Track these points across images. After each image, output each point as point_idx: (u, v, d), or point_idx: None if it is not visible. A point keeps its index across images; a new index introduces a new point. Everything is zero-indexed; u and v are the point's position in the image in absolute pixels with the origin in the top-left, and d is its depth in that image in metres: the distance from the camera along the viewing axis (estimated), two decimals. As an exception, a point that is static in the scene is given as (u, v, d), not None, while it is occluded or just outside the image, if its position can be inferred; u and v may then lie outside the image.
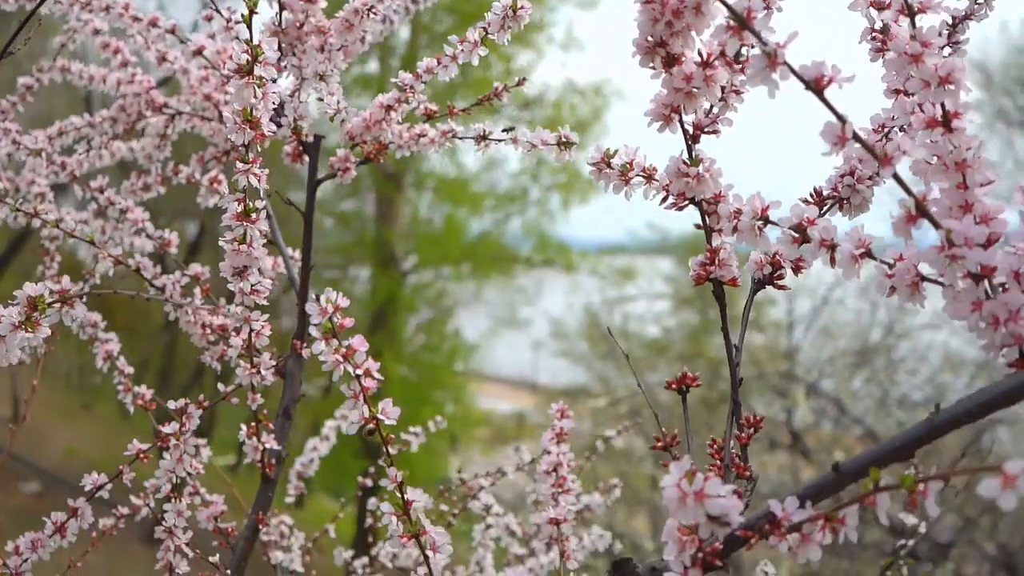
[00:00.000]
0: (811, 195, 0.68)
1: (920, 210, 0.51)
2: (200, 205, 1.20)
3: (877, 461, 0.50)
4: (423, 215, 11.61)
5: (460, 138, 0.97)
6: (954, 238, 0.50)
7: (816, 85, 0.50)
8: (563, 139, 0.84)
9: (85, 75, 1.24)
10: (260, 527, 0.99)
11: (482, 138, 0.95)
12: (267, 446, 0.97)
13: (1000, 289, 0.52)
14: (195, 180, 1.18)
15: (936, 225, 0.51)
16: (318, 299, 0.60)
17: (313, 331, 0.61)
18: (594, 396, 7.74)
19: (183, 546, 0.92)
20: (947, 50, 0.72)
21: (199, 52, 1.03)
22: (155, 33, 1.10)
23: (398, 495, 0.64)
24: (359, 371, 0.62)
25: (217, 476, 1.24)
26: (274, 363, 0.91)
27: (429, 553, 0.64)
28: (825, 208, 0.68)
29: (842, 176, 0.68)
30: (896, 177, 0.51)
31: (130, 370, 1.10)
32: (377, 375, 0.62)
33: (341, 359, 0.61)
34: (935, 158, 0.54)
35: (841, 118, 0.50)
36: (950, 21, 0.73)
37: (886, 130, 0.69)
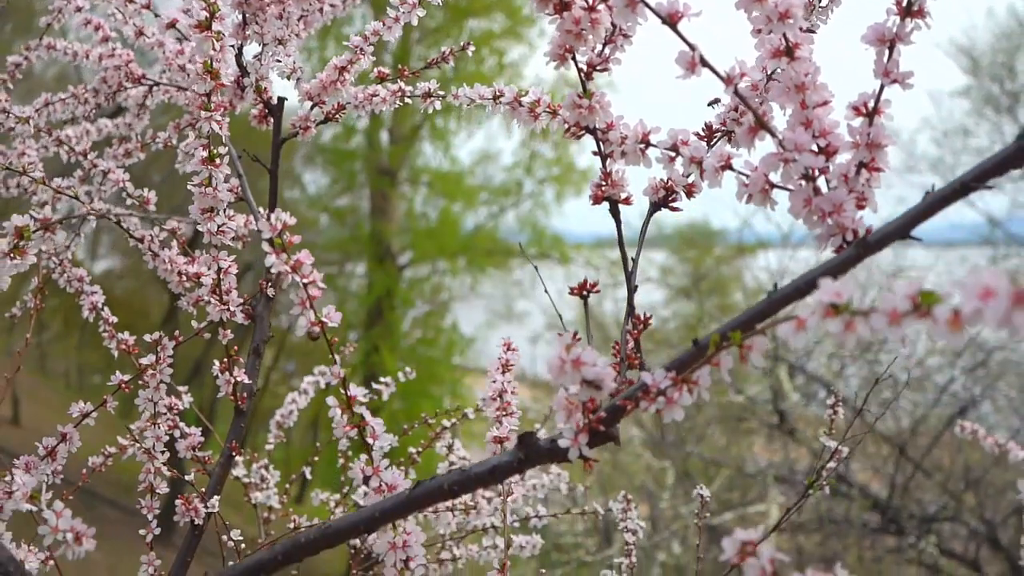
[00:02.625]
0: (702, 128, 0.78)
1: (760, 123, 0.61)
2: (179, 171, 1.29)
3: (724, 331, 0.59)
4: (418, 210, 11.71)
5: (409, 96, 1.06)
6: (786, 144, 0.59)
7: (671, 20, 0.60)
8: (497, 93, 0.93)
9: (69, 51, 1.34)
10: (234, 455, 1.08)
11: (428, 95, 1.05)
12: (238, 380, 1.07)
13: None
14: (171, 145, 1.27)
15: (772, 135, 0.60)
16: (269, 217, 0.70)
17: (265, 245, 0.71)
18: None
19: (162, 468, 1.02)
20: (824, 1, 0.82)
21: (172, 25, 1.13)
22: (131, 8, 1.19)
23: (342, 391, 0.74)
24: (306, 280, 0.71)
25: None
26: (242, 300, 1.01)
27: (370, 440, 0.74)
28: (715, 140, 0.78)
29: (729, 111, 0.77)
30: (738, 95, 0.61)
31: (114, 319, 1.19)
32: (321, 284, 0.72)
33: (290, 270, 0.71)
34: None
35: (692, 46, 0.60)
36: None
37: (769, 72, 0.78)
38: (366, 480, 0.74)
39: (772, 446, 7.56)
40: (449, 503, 1.24)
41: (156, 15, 1.17)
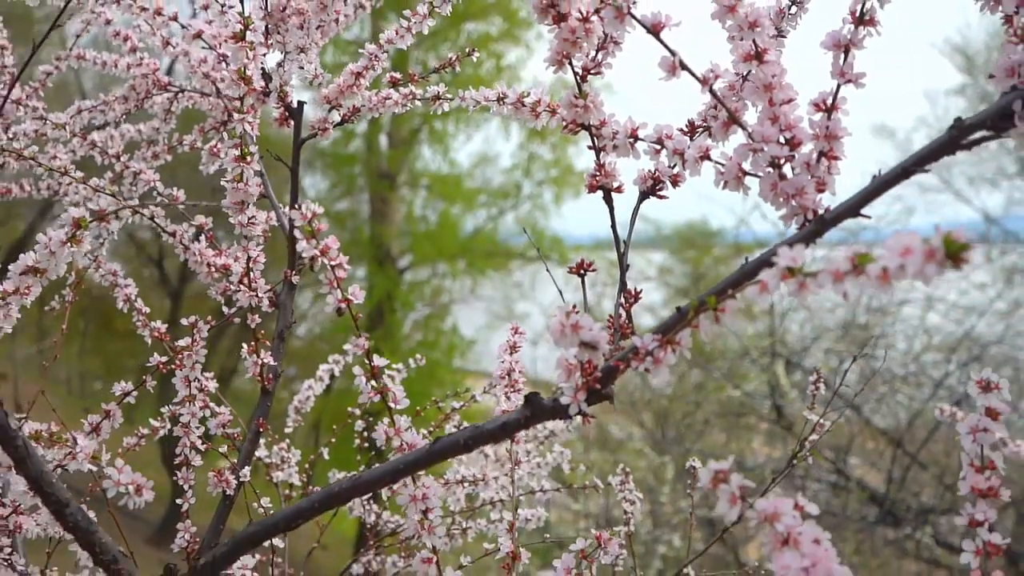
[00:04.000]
0: (686, 124, 0.87)
1: (732, 118, 0.70)
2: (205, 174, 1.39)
3: (702, 298, 0.68)
4: (417, 213, 11.81)
5: (420, 99, 1.16)
6: (755, 137, 0.69)
7: (655, 29, 0.69)
8: (501, 95, 1.03)
9: (99, 61, 1.43)
10: (261, 431, 1.17)
11: (436, 98, 1.14)
12: (265, 362, 1.16)
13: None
14: (197, 147, 1.36)
15: (743, 128, 0.70)
16: (300, 207, 0.79)
17: (297, 233, 0.80)
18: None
19: (196, 442, 1.11)
20: (793, 8, 0.91)
21: (198, 35, 1.22)
22: (160, 21, 1.29)
23: (366, 361, 0.83)
24: (334, 263, 0.81)
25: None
26: (269, 288, 1.10)
27: (392, 405, 0.83)
28: (697, 134, 0.87)
29: (708, 109, 0.86)
30: (712, 93, 0.70)
31: (147, 309, 1.28)
32: (347, 266, 0.81)
33: (319, 254, 0.80)
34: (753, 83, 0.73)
35: (673, 52, 0.69)
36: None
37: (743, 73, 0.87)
38: (388, 440, 0.83)
39: (772, 444, 7.65)
40: (460, 477, 1.33)
41: (183, 27, 1.27)
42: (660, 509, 6.43)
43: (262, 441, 1.50)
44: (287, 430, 1.56)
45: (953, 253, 0.47)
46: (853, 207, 0.66)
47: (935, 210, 9.29)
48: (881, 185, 0.65)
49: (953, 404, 6.67)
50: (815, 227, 0.66)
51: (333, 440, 1.61)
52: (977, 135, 0.64)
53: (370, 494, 1.54)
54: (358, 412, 1.49)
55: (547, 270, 0.98)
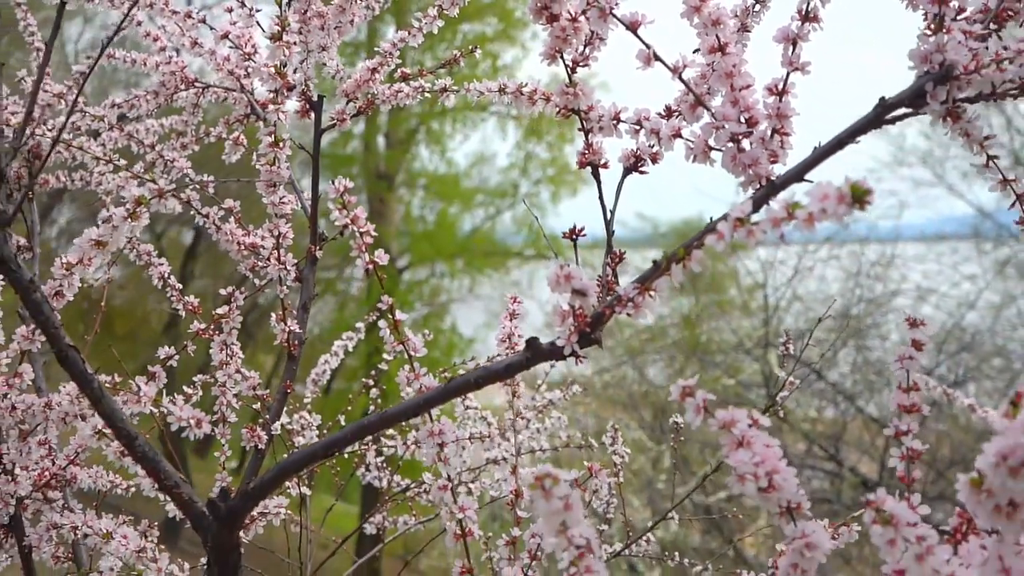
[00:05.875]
0: (664, 108, 1.00)
1: (698, 101, 0.83)
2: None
3: (674, 251, 0.81)
4: (415, 213, 11.94)
5: (428, 92, 1.29)
6: (718, 117, 0.82)
7: (632, 26, 0.82)
8: (502, 87, 1.16)
9: (128, 60, 1.56)
10: (288, 392, 1.30)
11: (444, 91, 1.27)
12: (291, 330, 1.28)
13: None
14: (223, 138, 1.49)
15: (707, 109, 0.83)
16: (333, 181, 0.92)
17: (330, 204, 0.93)
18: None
19: (232, 400, 1.24)
20: (757, 6, 1.04)
21: (225, 36, 1.35)
22: (189, 23, 1.42)
23: (390, 316, 0.96)
24: (362, 230, 0.94)
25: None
26: (296, 262, 1.23)
27: (411, 352, 0.96)
28: (674, 117, 1.00)
29: (681, 95, 0.99)
30: (683, 82, 0.83)
31: (179, 285, 1.41)
32: (374, 233, 0.94)
33: (350, 222, 0.93)
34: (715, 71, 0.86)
35: (648, 46, 0.82)
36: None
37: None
38: (408, 383, 0.96)
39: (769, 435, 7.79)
40: (467, 434, 1.46)
41: (211, 28, 1.40)
42: (658, 497, 6.58)
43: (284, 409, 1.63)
44: (306, 400, 1.70)
45: (858, 197, 0.60)
46: (797, 174, 0.79)
47: (928, 204, 9.43)
48: (821, 154, 0.78)
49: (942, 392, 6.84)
50: (766, 191, 0.79)
51: (350, 408, 1.74)
52: (899, 112, 0.77)
53: (382, 458, 1.68)
54: (371, 382, 1.61)
55: (549, 245, 1.11)
